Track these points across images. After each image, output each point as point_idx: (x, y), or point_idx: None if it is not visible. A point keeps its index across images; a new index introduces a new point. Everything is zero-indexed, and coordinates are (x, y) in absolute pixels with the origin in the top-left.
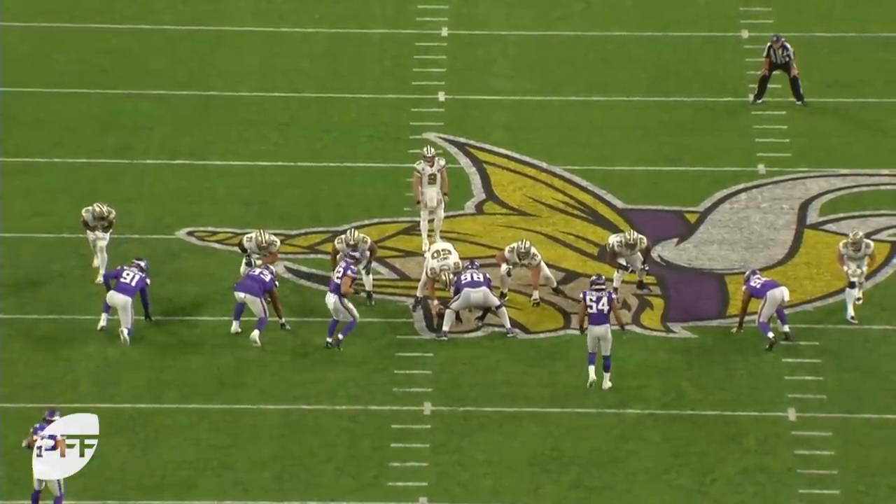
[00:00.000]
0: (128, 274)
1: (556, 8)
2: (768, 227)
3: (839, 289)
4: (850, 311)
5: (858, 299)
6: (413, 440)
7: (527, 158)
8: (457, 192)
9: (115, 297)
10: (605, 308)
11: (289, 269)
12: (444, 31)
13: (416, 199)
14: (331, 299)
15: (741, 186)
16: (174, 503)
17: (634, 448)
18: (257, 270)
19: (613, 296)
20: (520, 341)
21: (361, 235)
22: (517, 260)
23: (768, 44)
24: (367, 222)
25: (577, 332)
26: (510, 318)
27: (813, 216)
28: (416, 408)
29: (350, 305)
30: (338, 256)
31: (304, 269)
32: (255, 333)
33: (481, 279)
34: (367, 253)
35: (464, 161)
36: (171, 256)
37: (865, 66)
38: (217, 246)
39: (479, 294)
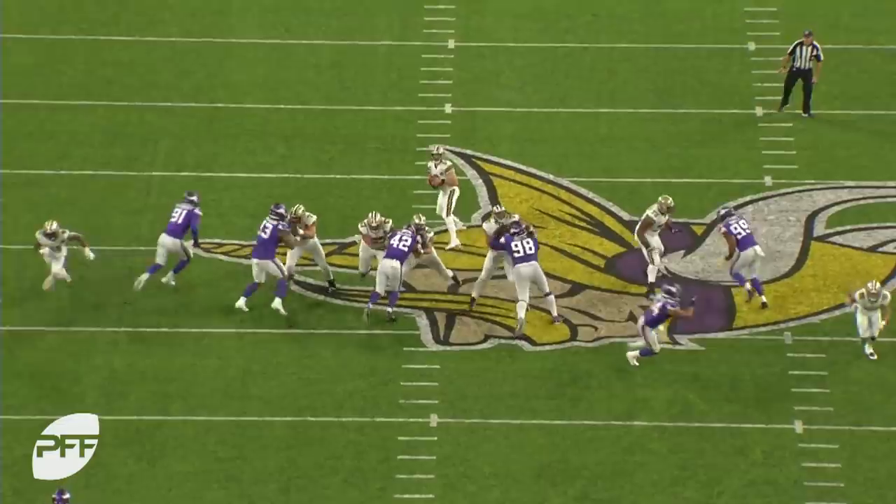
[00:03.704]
0: (176, 212)
1: (563, 20)
2: (775, 239)
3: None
4: (868, 350)
5: (872, 354)
6: (420, 452)
7: (533, 170)
8: (464, 204)
9: (165, 239)
10: (655, 313)
11: (295, 282)
12: (451, 43)
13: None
14: (390, 265)
15: (748, 198)
16: None
17: (641, 460)
18: (268, 232)
19: (668, 306)
20: (526, 353)
21: (382, 218)
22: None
23: (798, 41)
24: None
25: (584, 345)
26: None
27: (819, 228)
28: (423, 420)
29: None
30: (367, 240)
31: (310, 281)
32: (278, 302)
33: (533, 250)
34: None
35: (470, 173)
36: None
37: (872, 78)
38: (223, 258)
39: (529, 269)
